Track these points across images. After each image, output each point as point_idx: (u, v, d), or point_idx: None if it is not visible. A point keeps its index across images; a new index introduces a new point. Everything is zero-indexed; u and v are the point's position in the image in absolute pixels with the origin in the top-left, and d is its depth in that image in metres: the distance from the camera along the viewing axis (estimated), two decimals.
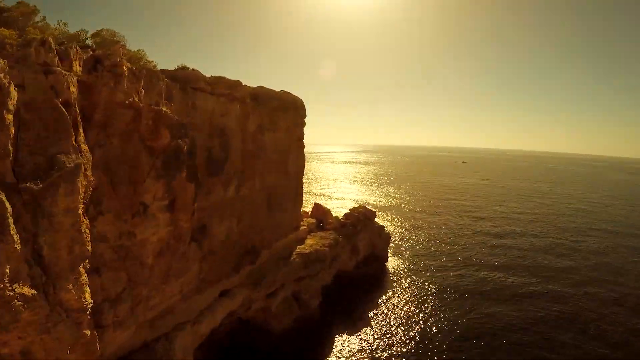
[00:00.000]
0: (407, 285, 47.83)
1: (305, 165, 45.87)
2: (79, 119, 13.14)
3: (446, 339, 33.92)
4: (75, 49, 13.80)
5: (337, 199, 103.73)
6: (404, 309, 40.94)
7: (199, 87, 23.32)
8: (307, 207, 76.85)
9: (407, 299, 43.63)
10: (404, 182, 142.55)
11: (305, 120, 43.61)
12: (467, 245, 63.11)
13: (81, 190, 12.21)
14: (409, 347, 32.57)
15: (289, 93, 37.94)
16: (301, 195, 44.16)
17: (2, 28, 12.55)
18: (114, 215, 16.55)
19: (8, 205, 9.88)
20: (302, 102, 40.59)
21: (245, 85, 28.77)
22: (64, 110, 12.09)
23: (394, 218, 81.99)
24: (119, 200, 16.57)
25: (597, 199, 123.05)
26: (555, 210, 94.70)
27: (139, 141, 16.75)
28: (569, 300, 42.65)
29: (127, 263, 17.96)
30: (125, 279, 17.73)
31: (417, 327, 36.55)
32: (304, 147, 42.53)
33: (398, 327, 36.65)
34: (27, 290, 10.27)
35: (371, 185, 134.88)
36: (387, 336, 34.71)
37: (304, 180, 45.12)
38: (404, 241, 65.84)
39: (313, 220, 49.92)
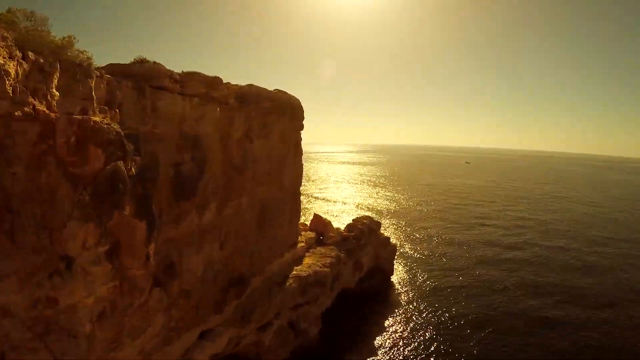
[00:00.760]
0: (414, 302, 43.53)
1: (304, 165, 40.61)
2: None
3: None
4: None
5: (337, 202, 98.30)
6: (412, 330, 36.81)
7: (163, 85, 17.84)
8: (306, 216, 72.11)
9: (415, 319, 39.37)
10: (407, 184, 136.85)
11: (303, 122, 38.18)
12: (476, 257, 57.67)
13: None
14: None
15: (284, 92, 32.44)
16: (298, 208, 38.74)
17: None
18: (20, 278, 11.16)
19: None
20: (299, 103, 35.05)
21: (228, 83, 23.25)
22: None
23: (398, 224, 76.63)
24: (26, 257, 11.16)
25: (605, 202, 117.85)
26: (566, 216, 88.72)
27: (55, 168, 11.32)
28: (593, 326, 37.44)
29: (50, 338, 12.62)
30: None
31: (426, 352, 32.57)
32: (302, 153, 37.02)
33: (406, 352, 32.60)
34: None
35: (372, 187, 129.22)
36: None
37: (302, 182, 39.73)
38: (409, 250, 60.71)
39: (312, 235, 44.53)
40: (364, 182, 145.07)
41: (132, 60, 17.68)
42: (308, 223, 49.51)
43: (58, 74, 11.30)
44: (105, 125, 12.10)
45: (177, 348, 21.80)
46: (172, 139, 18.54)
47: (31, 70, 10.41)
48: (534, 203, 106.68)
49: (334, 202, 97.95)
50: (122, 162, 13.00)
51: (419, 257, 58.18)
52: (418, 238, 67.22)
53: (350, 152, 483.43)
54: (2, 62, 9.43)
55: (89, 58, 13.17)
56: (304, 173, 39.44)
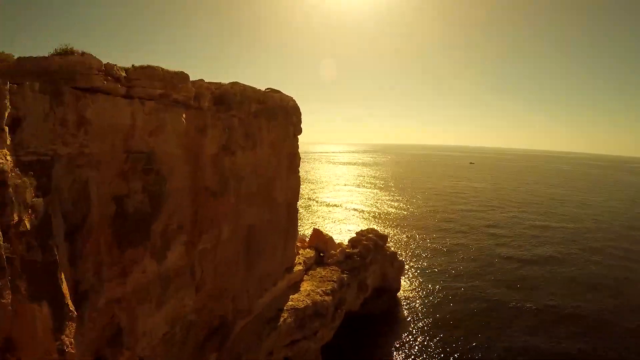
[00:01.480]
0: (422, 321, 39.64)
1: (304, 166, 35.56)
2: None
3: None
4: None
5: (338, 206, 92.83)
6: (421, 354, 33.30)
7: (96, 86, 12.51)
8: (306, 226, 66.71)
9: (424, 341, 35.52)
10: (410, 188, 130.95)
11: (301, 124, 32.86)
12: (488, 271, 52.34)
13: None
14: None
15: (277, 92, 27.07)
16: (295, 228, 33.42)
17: None
18: None
19: None
20: (295, 103, 29.67)
21: (201, 80, 17.89)
22: None
23: (403, 232, 71.20)
24: None
25: (618, 206, 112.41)
26: (585, 225, 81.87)
27: None
28: None
29: None
30: None
31: None
32: (299, 163, 31.66)
33: None
34: None
35: (375, 190, 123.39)
36: None
37: (302, 181, 34.47)
38: (416, 262, 55.58)
39: (312, 253, 39.21)
40: (366, 184, 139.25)
41: (52, 52, 12.35)
42: (307, 232, 44.29)
43: None
44: None
45: None
46: (113, 161, 13.22)
47: None
48: (545, 209, 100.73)
49: (335, 206, 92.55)
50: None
51: (427, 269, 53.09)
52: (424, 248, 61.86)
53: (352, 152, 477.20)
54: None
55: None
56: (303, 174, 34.39)
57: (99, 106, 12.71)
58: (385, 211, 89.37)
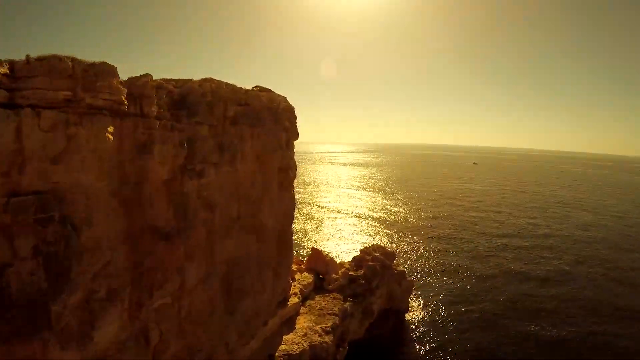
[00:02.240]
0: (432, 343, 34.97)
1: (302, 167, 30.32)
2: None
3: None
4: None
5: (339, 212, 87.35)
6: None
7: None
8: (301, 238, 60.87)
9: None
10: (414, 191, 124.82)
11: (298, 125, 27.54)
12: (501, 292, 46.73)
13: None
14: None
15: (266, 90, 21.73)
16: (289, 254, 28.08)
17: None
18: None
19: None
20: (288, 104, 24.28)
21: (145, 76, 12.54)
22: None
23: (407, 243, 65.58)
24: None
25: (632, 210, 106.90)
26: (602, 234, 76.25)
27: None
28: None
29: None
30: None
31: None
32: (294, 177, 26.24)
33: None
34: None
35: (377, 194, 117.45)
36: None
37: (302, 182, 29.25)
38: (424, 279, 50.12)
39: (310, 279, 33.92)
40: (367, 187, 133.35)
41: None
42: (306, 245, 39.00)
43: None
44: None
45: None
46: None
47: None
48: (555, 214, 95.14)
49: (336, 212, 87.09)
50: None
51: (436, 286, 47.90)
52: (433, 262, 56.35)
53: (352, 152, 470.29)
54: None
55: None
56: (303, 175, 29.23)
57: None
58: (388, 218, 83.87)
